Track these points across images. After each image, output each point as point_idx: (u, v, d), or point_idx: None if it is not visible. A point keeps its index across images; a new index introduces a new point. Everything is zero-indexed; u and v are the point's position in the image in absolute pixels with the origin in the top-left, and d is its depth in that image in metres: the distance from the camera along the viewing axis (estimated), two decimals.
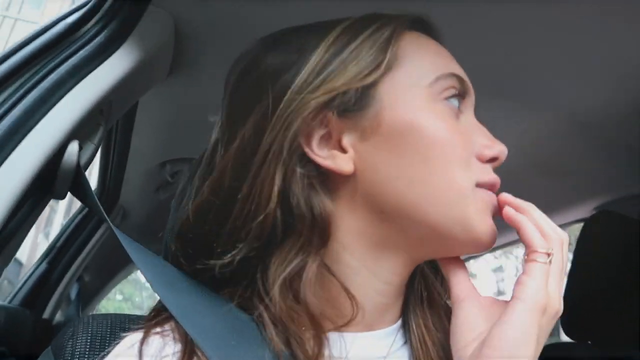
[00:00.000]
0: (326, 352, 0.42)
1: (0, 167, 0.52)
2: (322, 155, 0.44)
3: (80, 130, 0.62)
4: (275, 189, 0.43)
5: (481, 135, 0.47)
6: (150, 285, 0.46)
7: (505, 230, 1.45)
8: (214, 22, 0.72)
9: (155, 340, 0.43)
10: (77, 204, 1.48)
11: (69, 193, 0.62)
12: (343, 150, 0.45)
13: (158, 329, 0.44)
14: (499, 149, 0.46)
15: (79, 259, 1.34)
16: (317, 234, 0.43)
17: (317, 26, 0.49)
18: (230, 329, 0.43)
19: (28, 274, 1.28)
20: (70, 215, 1.45)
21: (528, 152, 1.12)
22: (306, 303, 0.42)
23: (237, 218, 0.45)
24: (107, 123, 0.69)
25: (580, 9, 0.65)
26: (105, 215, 0.55)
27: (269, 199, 0.43)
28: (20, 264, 5.99)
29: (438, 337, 0.48)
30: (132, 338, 0.44)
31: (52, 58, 0.59)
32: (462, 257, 0.50)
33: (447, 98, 0.45)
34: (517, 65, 0.82)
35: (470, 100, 0.49)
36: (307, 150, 0.44)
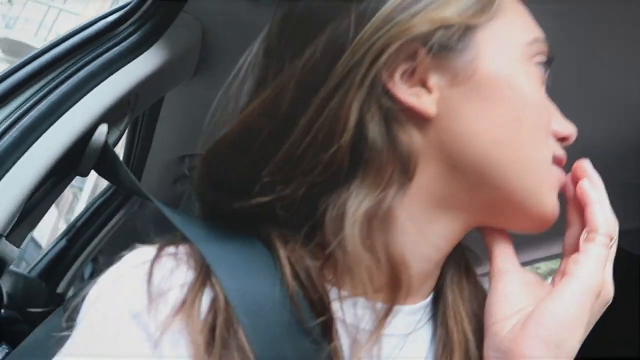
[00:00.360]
0: (350, 319, 0.37)
1: (35, 143, 0.59)
2: (406, 91, 0.38)
3: (109, 117, 0.69)
4: (352, 119, 0.37)
5: (555, 111, 0.44)
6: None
7: (533, 246, 1.46)
8: (238, 30, 0.79)
9: (168, 262, 0.36)
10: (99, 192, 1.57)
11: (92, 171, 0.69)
12: (428, 90, 0.39)
13: (172, 250, 0.37)
14: (572, 129, 0.43)
15: (96, 240, 1.42)
16: (398, 170, 0.38)
17: None
18: (257, 265, 0.37)
19: (48, 249, 1.36)
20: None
21: None
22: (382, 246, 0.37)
23: (296, 147, 0.38)
24: (132, 113, 0.77)
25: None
26: (136, 180, 0.61)
27: (344, 129, 0.37)
28: (39, 246, 6.16)
29: (473, 310, 0.44)
30: (140, 255, 0.37)
31: (90, 51, 0.67)
32: None
33: (538, 63, 0.42)
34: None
35: (546, 74, 0.44)
36: (389, 82, 0.38)
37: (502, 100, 0.39)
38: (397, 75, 0.38)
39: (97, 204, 1.44)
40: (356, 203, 0.37)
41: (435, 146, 0.39)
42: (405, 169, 0.38)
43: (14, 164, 0.56)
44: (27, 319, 1.08)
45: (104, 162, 0.67)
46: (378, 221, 0.37)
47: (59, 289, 1.38)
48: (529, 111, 0.40)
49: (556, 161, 0.42)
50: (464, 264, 0.47)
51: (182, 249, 0.38)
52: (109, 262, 0.39)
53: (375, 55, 0.36)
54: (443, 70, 0.39)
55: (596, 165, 0.43)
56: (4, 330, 0.98)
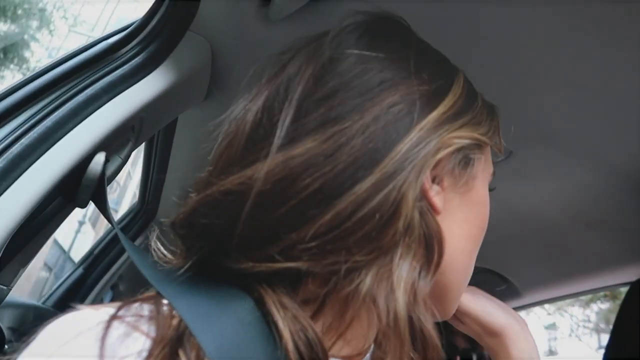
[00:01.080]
0: None
1: (27, 170, 0.55)
2: (430, 186, 0.41)
3: (109, 144, 0.65)
4: (410, 204, 0.38)
5: None
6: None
7: (557, 283, 1.37)
8: (249, 49, 0.74)
9: (119, 329, 0.34)
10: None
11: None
12: (442, 189, 0.43)
13: (123, 312, 0.35)
14: None
15: (115, 266, 1.38)
16: (423, 250, 0.40)
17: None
18: (249, 331, 0.35)
19: (63, 278, 1.33)
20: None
21: (574, 205, 1.06)
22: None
23: (347, 217, 0.37)
24: (138, 139, 0.72)
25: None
26: (115, 224, 0.56)
27: (402, 213, 0.37)
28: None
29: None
30: (84, 318, 0.34)
31: (90, 74, 0.63)
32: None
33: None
34: (566, 114, 0.79)
35: None
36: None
37: (477, 216, 0.46)
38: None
39: (115, 230, 1.41)
40: (402, 277, 0.38)
41: None
42: (431, 250, 0.40)
43: None
44: None
45: (102, 193, 0.62)
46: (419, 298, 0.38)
47: None
48: (483, 232, 0.47)
49: None
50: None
51: (145, 307, 0.35)
52: (130, 289, 0.35)
53: (432, 152, 0.39)
54: (456, 177, 0.43)
55: None
56: None
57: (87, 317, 0.33)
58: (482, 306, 0.60)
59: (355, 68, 0.40)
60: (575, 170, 0.96)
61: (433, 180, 0.42)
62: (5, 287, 0.58)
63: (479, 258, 1.43)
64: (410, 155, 0.38)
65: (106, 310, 0.34)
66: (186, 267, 0.39)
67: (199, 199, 0.39)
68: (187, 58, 0.71)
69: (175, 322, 0.34)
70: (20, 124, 0.56)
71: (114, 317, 0.33)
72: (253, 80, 0.44)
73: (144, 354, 0.32)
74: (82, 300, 1.34)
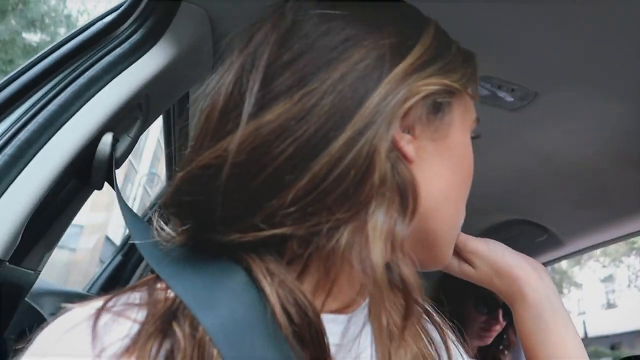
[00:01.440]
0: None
1: (35, 156, 0.56)
2: (400, 135, 0.41)
3: (117, 124, 0.65)
4: (383, 156, 0.38)
5: None
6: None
7: (600, 228, 1.33)
8: (247, 12, 0.73)
9: (104, 318, 0.36)
10: None
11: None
12: (413, 138, 0.43)
13: (111, 303, 0.37)
14: None
15: None
16: (399, 199, 0.40)
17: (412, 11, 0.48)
18: (241, 300, 0.37)
19: (104, 266, 1.38)
20: None
21: (611, 143, 1.01)
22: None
23: (322, 179, 0.37)
24: (147, 117, 0.72)
25: None
26: (124, 205, 0.56)
27: (376, 166, 0.38)
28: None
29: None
30: (75, 315, 0.36)
31: (89, 56, 0.63)
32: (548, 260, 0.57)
33: (472, 138, 0.50)
34: (592, 48, 0.74)
35: None
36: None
37: (458, 163, 0.47)
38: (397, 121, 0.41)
39: (148, 215, 1.44)
40: (377, 228, 0.38)
41: None
42: (406, 199, 0.40)
43: (10, 183, 0.53)
44: None
45: (112, 172, 0.62)
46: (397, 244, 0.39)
47: None
48: (468, 178, 0.48)
49: None
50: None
51: (136, 295, 0.37)
52: None
53: (400, 102, 0.40)
54: (427, 124, 0.44)
55: None
56: None
57: (75, 315, 0.35)
58: (492, 248, 0.59)
59: (318, 29, 0.41)
60: (607, 107, 0.90)
61: (405, 130, 0.42)
62: (32, 272, 0.60)
63: (515, 210, 1.40)
64: (380, 109, 0.39)
65: (93, 304, 0.36)
66: (179, 244, 0.40)
67: (181, 176, 0.40)
68: (185, 30, 0.70)
69: (169, 301, 0.36)
70: (25, 111, 0.57)
71: (101, 310, 0.35)
72: (226, 54, 0.44)
73: (127, 340, 0.34)
74: (124, 285, 1.39)
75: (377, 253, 0.37)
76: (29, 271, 0.59)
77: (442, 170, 0.45)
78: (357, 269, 0.37)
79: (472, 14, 0.69)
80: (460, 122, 0.47)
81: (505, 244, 0.62)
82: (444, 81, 0.43)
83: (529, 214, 1.35)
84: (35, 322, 0.81)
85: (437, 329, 0.55)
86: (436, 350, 0.52)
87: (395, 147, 0.41)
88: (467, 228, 0.59)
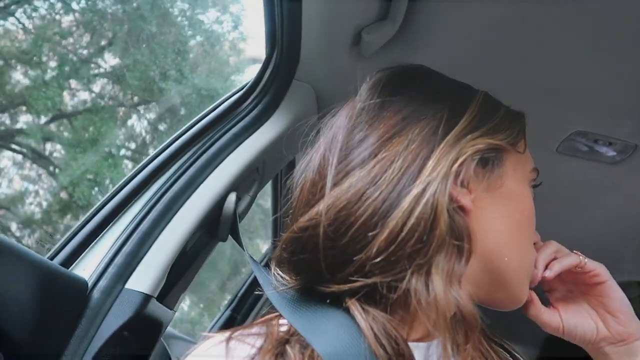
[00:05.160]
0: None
1: (178, 212, 0.68)
2: (456, 189, 0.50)
3: (239, 185, 0.76)
4: (444, 206, 0.47)
5: None
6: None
7: None
8: (348, 86, 0.83)
9: (235, 343, 0.47)
10: None
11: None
12: (469, 191, 0.51)
13: (239, 333, 0.48)
14: (539, 238, 0.59)
15: (257, 306, 1.52)
16: (456, 247, 0.49)
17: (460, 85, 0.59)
18: (344, 333, 0.45)
19: (215, 320, 1.49)
20: None
21: None
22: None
23: (399, 231, 0.46)
24: (263, 179, 0.84)
25: None
26: (250, 257, 0.65)
27: (442, 215, 0.47)
28: None
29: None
30: (214, 341, 0.47)
31: (219, 129, 0.76)
32: None
33: (532, 186, 0.58)
34: None
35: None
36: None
37: (515, 209, 0.54)
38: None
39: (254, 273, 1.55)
40: (439, 268, 0.46)
41: None
42: (461, 247, 0.48)
43: (160, 232, 0.65)
44: None
45: (236, 227, 0.73)
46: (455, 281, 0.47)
47: None
48: (528, 221, 0.55)
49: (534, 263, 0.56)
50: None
51: (255, 328, 0.48)
52: None
53: (452, 162, 0.48)
54: (481, 178, 0.52)
55: None
56: None
57: (214, 340, 0.47)
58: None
59: (381, 113, 0.52)
60: None
61: (461, 185, 0.50)
62: (171, 311, 0.70)
63: (630, 270, 1.31)
64: (437, 169, 0.47)
65: (224, 334, 0.47)
66: (293, 292, 0.52)
67: (285, 237, 0.51)
68: (295, 104, 0.82)
69: (282, 332, 0.47)
70: (172, 174, 0.70)
71: (229, 336, 0.46)
72: (314, 138, 0.57)
73: (252, 354, 0.44)
74: None
75: (439, 286, 0.45)
76: (169, 310, 0.69)
77: (499, 215, 0.52)
78: (425, 301, 0.45)
79: (564, 68, 0.73)
80: (513, 173, 0.54)
81: None
82: (489, 141, 0.51)
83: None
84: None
85: None
86: None
87: (453, 200, 0.49)
88: None
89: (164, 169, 0.70)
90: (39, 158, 6.72)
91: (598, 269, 0.58)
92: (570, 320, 0.58)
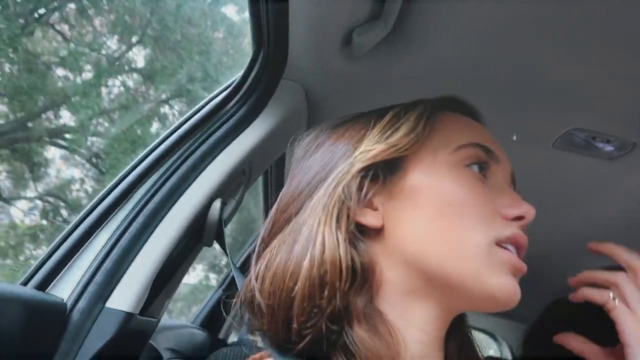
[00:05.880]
0: None
1: (161, 223, 0.66)
2: (359, 212, 0.50)
3: (225, 189, 0.74)
4: (343, 251, 0.48)
5: (507, 198, 0.52)
6: None
7: None
8: (338, 85, 0.79)
9: None
10: None
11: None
12: (373, 209, 0.52)
13: None
14: (524, 209, 0.51)
15: None
16: (369, 275, 0.49)
17: (378, 112, 0.58)
18: None
19: (206, 301, 1.50)
20: None
21: None
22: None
23: (309, 290, 0.47)
24: (248, 181, 0.81)
25: None
26: (235, 267, 0.64)
27: (339, 260, 0.47)
28: None
29: None
30: None
31: (202, 132, 0.73)
32: None
33: (468, 165, 0.52)
34: None
35: (500, 167, 0.55)
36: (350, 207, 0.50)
37: (424, 203, 0.50)
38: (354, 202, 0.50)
39: (246, 252, 1.55)
40: (356, 309, 0.47)
41: (389, 249, 0.50)
42: (372, 273, 0.49)
43: (141, 247, 0.63)
44: None
45: (221, 233, 0.71)
46: (374, 315, 0.47)
47: (220, 335, 1.50)
48: (450, 209, 0.50)
49: (509, 241, 0.50)
50: (468, 348, 0.56)
51: None
52: None
53: (336, 186, 0.50)
54: (382, 190, 0.52)
55: None
56: None
57: None
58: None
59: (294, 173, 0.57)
60: None
61: (363, 206, 0.51)
62: (154, 319, 0.70)
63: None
64: (325, 219, 0.49)
65: None
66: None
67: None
68: (284, 103, 0.79)
69: None
70: (153, 184, 0.67)
71: None
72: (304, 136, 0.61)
73: None
74: (224, 318, 1.50)
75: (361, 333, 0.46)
76: (152, 319, 0.68)
77: (410, 216, 0.50)
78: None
79: (561, 67, 0.70)
80: (421, 167, 0.52)
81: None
82: (365, 163, 0.51)
83: None
84: (153, 357, 0.92)
85: None
86: None
87: (360, 224, 0.50)
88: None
89: (144, 179, 0.67)
90: (83, 151, 6.85)
91: (622, 325, 0.54)
92: None
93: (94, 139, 7.01)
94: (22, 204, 6.84)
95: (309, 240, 0.48)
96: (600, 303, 0.55)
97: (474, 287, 0.48)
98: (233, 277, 1.50)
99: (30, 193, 6.89)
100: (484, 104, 0.63)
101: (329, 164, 0.53)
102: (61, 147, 6.89)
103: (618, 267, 0.59)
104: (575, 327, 0.73)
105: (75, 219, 0.63)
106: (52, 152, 7.04)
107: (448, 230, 0.49)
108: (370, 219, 0.51)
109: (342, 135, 0.56)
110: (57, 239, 0.60)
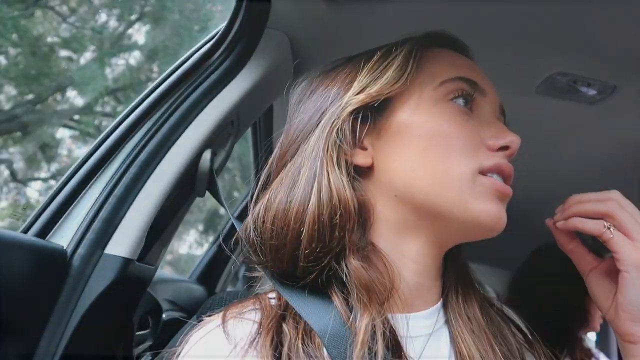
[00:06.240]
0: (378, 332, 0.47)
1: (153, 173, 0.67)
2: (352, 154, 0.53)
3: (214, 140, 0.75)
4: (344, 191, 0.51)
5: (492, 129, 0.54)
6: None
7: None
8: (323, 33, 0.79)
9: (233, 322, 0.50)
10: None
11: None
12: (363, 148, 0.55)
13: (235, 311, 0.51)
14: (508, 139, 0.53)
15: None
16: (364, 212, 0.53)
17: (366, 54, 0.59)
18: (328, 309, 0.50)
19: (202, 256, 1.54)
20: None
21: None
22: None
23: (318, 231, 0.50)
24: (238, 132, 0.82)
25: None
26: (230, 213, 0.66)
27: (341, 198, 0.51)
28: None
29: (474, 312, 0.55)
30: (211, 323, 0.50)
31: (190, 83, 0.73)
32: None
33: (453, 99, 0.54)
34: None
35: (487, 99, 0.56)
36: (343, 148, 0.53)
37: (410, 139, 0.53)
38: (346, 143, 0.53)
39: (239, 209, 1.57)
40: (352, 243, 0.50)
41: (380, 185, 0.53)
42: (367, 211, 0.52)
43: (135, 197, 0.64)
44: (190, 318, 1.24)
45: (214, 182, 0.73)
46: (368, 248, 0.51)
47: (217, 289, 1.55)
48: (433, 141, 0.52)
49: (494, 170, 0.52)
50: (465, 277, 0.58)
51: (249, 304, 0.51)
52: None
53: (330, 130, 0.52)
54: (372, 130, 0.55)
55: None
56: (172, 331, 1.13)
57: (209, 324, 0.49)
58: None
59: (293, 117, 0.59)
60: None
61: (355, 145, 0.54)
62: (153, 267, 0.72)
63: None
64: (321, 156, 0.52)
65: (219, 315, 0.50)
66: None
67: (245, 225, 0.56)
68: (269, 53, 0.79)
69: (276, 307, 0.50)
70: (144, 135, 0.68)
71: (224, 318, 0.49)
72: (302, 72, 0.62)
73: (254, 332, 0.47)
74: (219, 274, 1.54)
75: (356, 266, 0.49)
76: (150, 266, 0.71)
77: (397, 152, 0.53)
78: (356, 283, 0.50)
79: (543, 10, 0.71)
80: (406, 105, 0.54)
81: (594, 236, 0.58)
82: (358, 98, 0.54)
83: None
84: (152, 306, 0.95)
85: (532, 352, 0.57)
86: None
87: (349, 169, 0.52)
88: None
89: (134, 130, 0.68)
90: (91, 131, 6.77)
91: (621, 254, 0.51)
92: (596, 283, 0.55)
93: (103, 119, 6.94)
94: (37, 185, 6.82)
95: (310, 182, 0.50)
96: (596, 234, 0.52)
97: (459, 215, 0.50)
98: (226, 233, 1.53)
99: (43, 174, 6.87)
100: None
101: (321, 108, 0.55)
102: (70, 127, 6.83)
103: None
104: (561, 272, 0.75)
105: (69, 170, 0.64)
106: (62, 133, 7.00)
107: (433, 163, 0.51)
108: (361, 158, 0.54)
109: (334, 80, 0.58)
110: (54, 189, 0.62)
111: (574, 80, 0.90)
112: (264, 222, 0.52)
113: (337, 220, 0.49)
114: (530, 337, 0.58)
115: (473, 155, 0.52)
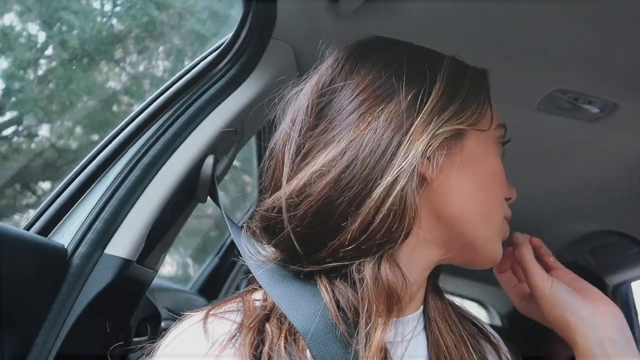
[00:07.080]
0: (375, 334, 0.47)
1: (156, 176, 0.68)
2: (422, 165, 0.51)
3: (217, 147, 0.77)
4: (414, 200, 0.49)
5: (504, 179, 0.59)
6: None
7: None
8: (326, 45, 0.81)
9: (214, 321, 0.48)
10: None
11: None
12: (429, 160, 0.52)
13: (216, 311, 0.50)
14: (514, 192, 0.60)
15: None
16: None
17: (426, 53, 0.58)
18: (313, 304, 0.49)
19: (203, 267, 1.54)
20: None
21: None
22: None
23: (370, 222, 0.48)
24: (241, 140, 0.84)
25: None
26: (228, 219, 0.67)
27: (411, 206, 0.49)
28: None
29: (453, 320, 0.58)
30: (192, 319, 0.50)
31: (195, 90, 0.75)
32: None
33: (499, 142, 0.58)
34: None
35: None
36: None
37: (478, 170, 0.54)
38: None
39: (243, 220, 1.58)
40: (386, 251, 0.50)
41: (429, 202, 0.52)
42: (411, 222, 0.50)
43: (138, 198, 0.65)
44: None
45: (215, 189, 0.74)
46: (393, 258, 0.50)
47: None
48: (494, 180, 0.56)
49: (507, 218, 0.59)
50: (437, 286, 0.62)
51: (233, 304, 0.50)
52: None
53: (424, 149, 0.49)
54: (442, 146, 0.51)
55: None
56: None
57: (190, 320, 0.48)
58: (554, 288, 0.58)
59: (343, 92, 0.53)
60: None
61: (427, 158, 0.51)
62: (152, 270, 0.73)
63: (602, 220, 1.36)
64: (408, 159, 0.48)
65: (202, 312, 0.49)
66: (271, 264, 0.53)
67: (260, 215, 0.53)
68: (274, 63, 0.80)
69: (260, 308, 0.49)
70: (148, 138, 0.70)
71: (206, 315, 0.48)
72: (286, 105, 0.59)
73: (233, 330, 0.46)
74: (220, 286, 1.54)
75: (389, 272, 0.49)
76: (150, 270, 0.72)
77: (462, 180, 0.53)
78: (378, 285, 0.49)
79: (546, 28, 0.72)
80: (477, 134, 0.54)
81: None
82: (456, 127, 0.52)
83: (617, 225, 1.30)
84: (151, 312, 0.95)
85: (496, 352, 0.60)
86: None
87: (420, 177, 0.50)
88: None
89: (139, 134, 0.70)
90: None
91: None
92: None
93: None
94: None
95: (382, 169, 0.48)
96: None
97: (487, 249, 0.56)
98: (229, 245, 1.54)
99: None
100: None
101: (401, 127, 0.51)
102: None
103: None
104: None
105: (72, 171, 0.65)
106: None
107: (487, 203, 0.55)
108: (427, 171, 0.51)
109: (376, 99, 0.52)
110: (57, 189, 0.63)
111: (576, 97, 0.91)
112: (306, 196, 0.49)
113: (389, 223, 0.48)
114: (493, 339, 0.62)
115: (503, 202, 0.58)
